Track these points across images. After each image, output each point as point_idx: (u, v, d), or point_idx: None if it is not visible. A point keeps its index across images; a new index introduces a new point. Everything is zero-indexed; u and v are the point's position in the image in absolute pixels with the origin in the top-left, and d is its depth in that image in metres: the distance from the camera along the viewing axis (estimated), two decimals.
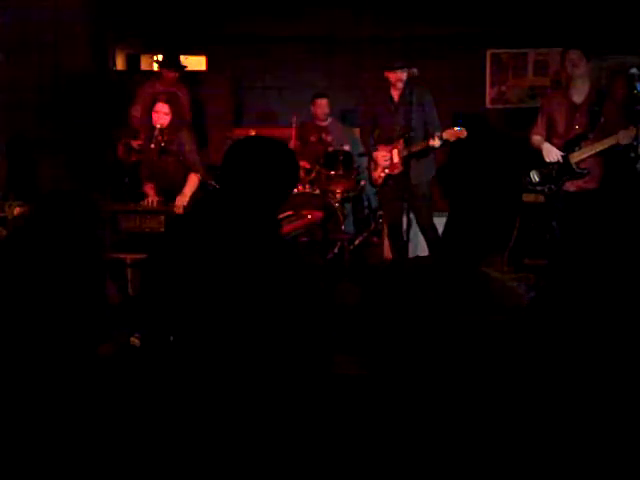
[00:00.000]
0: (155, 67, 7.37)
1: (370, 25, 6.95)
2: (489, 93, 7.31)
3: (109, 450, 2.12)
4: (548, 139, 4.71)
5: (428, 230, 5.17)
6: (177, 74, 5.89)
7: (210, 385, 1.87)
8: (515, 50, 7.20)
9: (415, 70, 4.77)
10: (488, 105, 7.30)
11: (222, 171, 1.99)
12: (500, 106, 7.27)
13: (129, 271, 4.28)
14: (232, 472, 1.86)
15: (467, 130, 4.81)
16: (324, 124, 6.48)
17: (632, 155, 4.31)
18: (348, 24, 6.98)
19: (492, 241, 5.49)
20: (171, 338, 1.88)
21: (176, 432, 1.88)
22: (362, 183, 6.24)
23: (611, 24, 6.47)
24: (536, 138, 4.76)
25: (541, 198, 4.79)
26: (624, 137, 4.28)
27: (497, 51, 7.23)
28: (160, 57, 6.02)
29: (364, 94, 5.42)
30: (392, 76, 4.98)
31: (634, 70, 4.25)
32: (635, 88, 4.24)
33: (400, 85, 4.98)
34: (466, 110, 5.11)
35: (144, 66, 7.78)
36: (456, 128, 4.80)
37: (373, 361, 3.27)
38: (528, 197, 4.93)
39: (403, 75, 4.93)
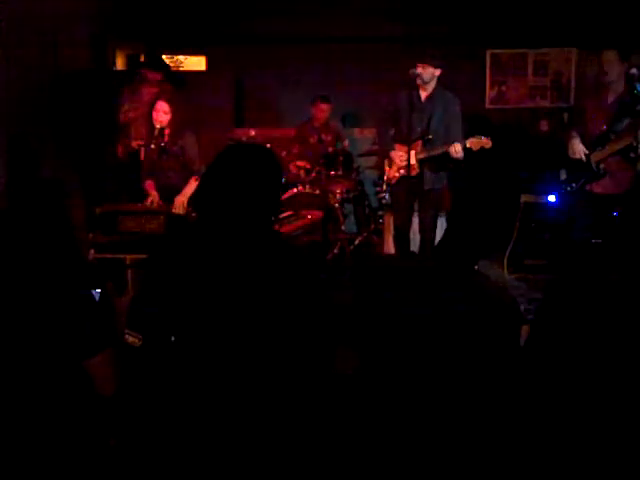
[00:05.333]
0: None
1: (370, 25, 6.97)
2: (489, 93, 7.32)
3: (109, 451, 2.13)
4: (583, 139, 4.61)
5: (428, 231, 5.14)
6: (160, 74, 5.86)
7: (212, 384, 1.87)
8: (515, 50, 7.21)
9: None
10: (488, 105, 7.31)
11: (210, 179, 2.04)
12: (500, 106, 7.28)
13: (129, 271, 4.28)
14: (233, 471, 1.86)
15: (468, 130, 4.78)
16: (323, 124, 6.50)
17: (632, 155, 4.30)
18: (348, 24, 6.98)
19: (492, 241, 5.49)
20: (172, 339, 1.88)
21: (178, 432, 1.88)
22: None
23: (610, 24, 6.48)
24: (571, 135, 4.68)
25: (541, 198, 4.79)
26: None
27: (497, 51, 7.24)
28: (142, 59, 5.96)
29: (388, 90, 5.30)
30: (424, 71, 4.78)
31: (634, 70, 4.25)
32: (635, 88, 4.23)
33: (431, 84, 4.85)
34: (466, 110, 5.09)
35: None
36: (482, 137, 4.70)
37: (371, 357, 3.27)
38: (528, 197, 4.92)
39: (434, 71, 4.80)
